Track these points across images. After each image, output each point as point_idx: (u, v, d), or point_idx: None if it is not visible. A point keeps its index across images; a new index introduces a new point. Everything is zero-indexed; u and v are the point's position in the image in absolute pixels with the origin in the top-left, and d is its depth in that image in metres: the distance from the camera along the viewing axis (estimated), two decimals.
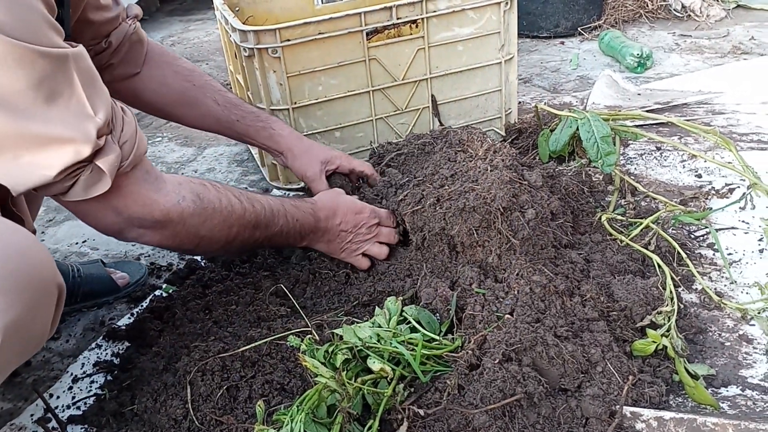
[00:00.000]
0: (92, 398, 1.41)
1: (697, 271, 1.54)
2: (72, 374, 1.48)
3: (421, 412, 1.15)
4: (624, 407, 1.17)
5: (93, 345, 1.56)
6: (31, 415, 1.39)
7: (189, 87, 1.67)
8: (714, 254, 1.62)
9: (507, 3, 2.02)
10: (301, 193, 2.02)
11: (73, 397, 1.42)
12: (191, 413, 1.21)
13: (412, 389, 1.22)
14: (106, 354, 1.53)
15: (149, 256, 1.90)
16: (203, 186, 1.28)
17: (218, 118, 1.71)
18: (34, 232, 1.64)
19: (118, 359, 1.51)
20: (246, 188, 2.20)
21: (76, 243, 2.01)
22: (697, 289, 1.52)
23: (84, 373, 1.48)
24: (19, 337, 0.93)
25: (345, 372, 1.17)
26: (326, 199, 1.55)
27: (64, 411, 1.39)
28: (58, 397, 1.42)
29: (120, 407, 1.33)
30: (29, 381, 1.51)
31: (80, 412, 1.37)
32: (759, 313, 1.43)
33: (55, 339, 1.62)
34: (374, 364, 1.20)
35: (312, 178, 1.75)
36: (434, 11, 1.96)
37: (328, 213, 1.51)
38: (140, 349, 1.49)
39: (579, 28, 3.23)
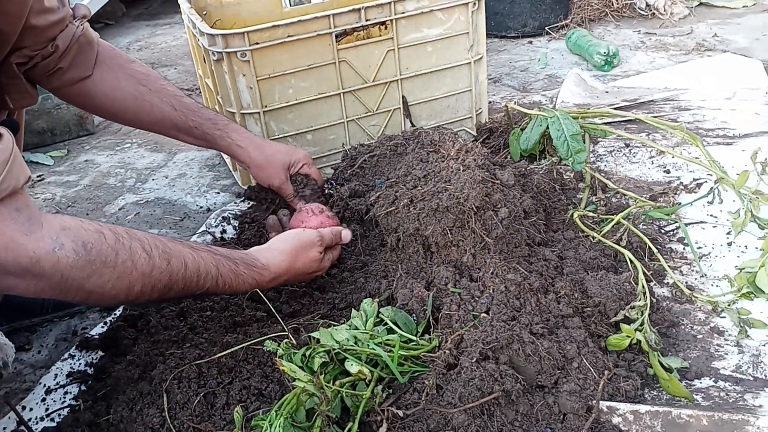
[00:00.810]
0: (66, 409, 1.39)
1: (668, 266, 1.56)
2: (45, 385, 1.46)
3: (400, 413, 1.15)
4: (600, 402, 1.19)
5: (66, 355, 1.54)
6: (4, 428, 1.36)
7: (144, 91, 1.62)
8: (684, 248, 1.64)
9: (475, 3, 2.03)
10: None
11: (47, 409, 1.40)
12: (168, 421, 1.20)
13: (391, 390, 1.22)
14: (80, 364, 1.51)
15: None
16: (98, 234, 1.10)
17: (175, 123, 1.67)
18: None
19: (92, 369, 1.49)
20: (218, 193, 2.19)
21: None
22: (668, 283, 1.54)
23: (57, 384, 1.46)
24: None
25: (323, 375, 1.17)
26: (278, 265, 1.38)
27: (37, 423, 1.37)
28: (31, 409, 1.40)
29: (95, 417, 1.31)
30: (1, 393, 1.48)
31: (54, 424, 1.35)
32: (729, 305, 1.45)
33: (27, 350, 1.60)
34: (352, 366, 1.20)
35: (279, 186, 1.77)
36: (403, 12, 1.96)
37: (277, 280, 1.39)
38: (114, 358, 1.47)
39: (546, 28, 3.25)
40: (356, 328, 1.29)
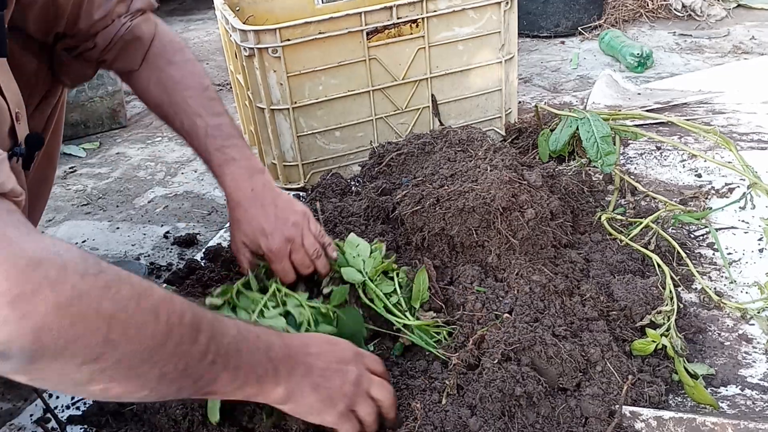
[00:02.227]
0: (91, 398, 1.41)
1: (697, 271, 1.54)
2: None
3: (420, 412, 1.15)
4: (623, 407, 1.17)
5: None
6: (31, 415, 1.39)
7: (165, 101, 1.48)
8: (714, 254, 1.61)
9: (507, 2, 2.02)
10: (302, 194, 2.02)
11: (73, 397, 1.42)
12: (191, 413, 1.21)
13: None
14: None
15: (149, 256, 1.90)
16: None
17: (187, 141, 1.48)
18: None
19: None
20: None
21: (76, 243, 2.01)
22: (696, 288, 1.52)
23: None
24: None
25: None
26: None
27: (63, 411, 1.39)
28: (57, 397, 1.42)
29: (119, 407, 1.33)
30: None
31: (80, 412, 1.37)
32: (758, 312, 1.43)
33: None
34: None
35: (234, 253, 1.44)
36: (434, 11, 1.96)
37: (298, 341, 1.11)
38: None
39: (579, 28, 3.23)
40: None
